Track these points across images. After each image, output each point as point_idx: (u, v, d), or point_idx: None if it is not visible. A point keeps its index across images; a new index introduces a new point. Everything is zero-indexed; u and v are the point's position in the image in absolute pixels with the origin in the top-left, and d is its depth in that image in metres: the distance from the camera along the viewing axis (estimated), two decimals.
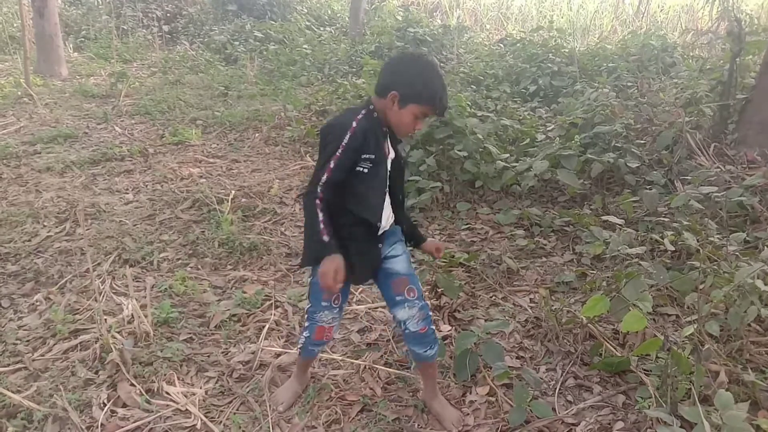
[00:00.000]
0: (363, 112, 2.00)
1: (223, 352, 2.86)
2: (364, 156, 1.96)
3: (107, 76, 9.14)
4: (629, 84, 6.45)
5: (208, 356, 2.82)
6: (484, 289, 3.41)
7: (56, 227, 4.25)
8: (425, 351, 2.22)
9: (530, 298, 3.31)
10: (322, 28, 12.82)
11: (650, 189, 4.16)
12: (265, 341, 2.92)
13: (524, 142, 4.97)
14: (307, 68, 9.41)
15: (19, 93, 7.89)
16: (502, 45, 9.93)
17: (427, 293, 3.27)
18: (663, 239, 3.32)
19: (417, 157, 4.54)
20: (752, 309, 2.53)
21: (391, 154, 2.11)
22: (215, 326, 3.07)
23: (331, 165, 1.92)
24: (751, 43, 5.35)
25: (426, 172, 4.55)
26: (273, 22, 12.10)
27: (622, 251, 3.26)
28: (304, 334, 2.32)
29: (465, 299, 3.28)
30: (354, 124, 1.94)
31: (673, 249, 3.25)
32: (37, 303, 3.28)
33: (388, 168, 2.09)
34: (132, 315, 2.99)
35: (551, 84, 7.23)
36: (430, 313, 2.25)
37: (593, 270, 3.50)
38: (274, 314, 3.14)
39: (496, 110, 6.78)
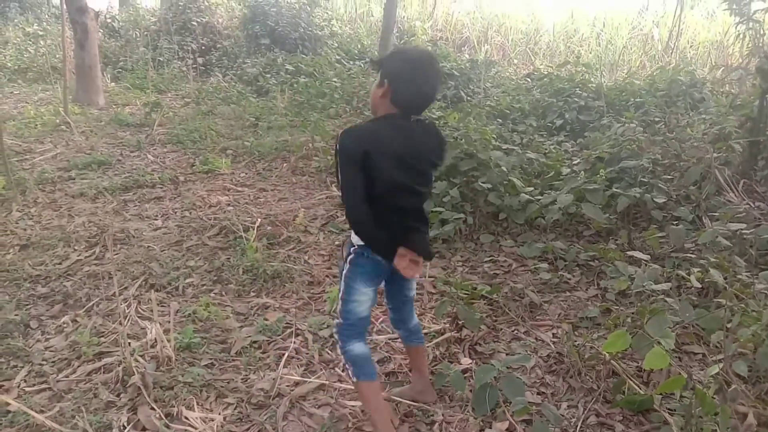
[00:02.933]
0: None
1: (242, 379, 2.88)
2: None
3: (142, 105, 9.41)
4: (657, 119, 6.41)
5: (228, 382, 2.84)
6: (506, 323, 3.38)
7: (86, 251, 4.36)
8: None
9: (553, 333, 3.26)
10: (351, 62, 13.05)
11: (677, 225, 4.10)
12: (285, 369, 2.93)
13: (549, 176, 4.96)
14: (335, 101, 9.55)
15: (58, 121, 8.17)
16: (529, 79, 9.99)
17: (447, 325, 3.26)
18: (689, 276, 3.26)
19: (441, 189, 4.56)
20: None
21: None
22: (236, 352, 3.09)
23: None
24: None
25: (450, 203, 4.56)
26: (304, 56, 12.36)
27: (647, 287, 3.22)
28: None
29: (486, 332, 3.26)
30: None
31: (700, 286, 3.20)
32: (64, 325, 3.35)
33: None
34: (155, 339, 3.03)
35: (578, 118, 7.23)
36: None
37: (618, 306, 3.45)
38: (294, 342, 3.16)
39: (522, 144, 6.79)
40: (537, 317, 3.45)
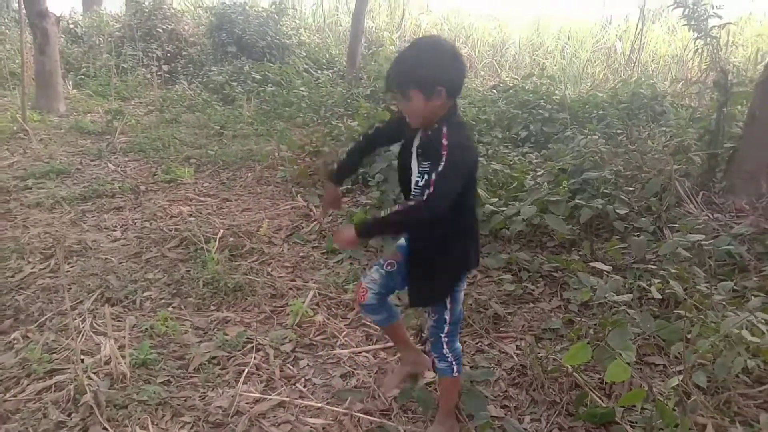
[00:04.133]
0: None
1: (200, 396, 2.80)
2: None
3: (104, 113, 9.20)
4: (619, 131, 6.52)
5: (185, 400, 2.76)
6: (470, 335, 3.37)
7: (41, 263, 4.21)
8: None
9: (517, 345, 3.26)
10: (319, 72, 13.00)
11: (638, 236, 4.16)
12: (244, 386, 2.86)
13: (513, 187, 4.98)
14: (303, 110, 9.50)
15: (15, 128, 7.92)
16: (495, 91, 10.06)
17: (412, 338, 3.22)
18: (650, 287, 3.30)
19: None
20: (739, 360, 2.49)
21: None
22: (194, 369, 3.01)
23: None
24: (738, 93, 5.44)
25: None
26: (271, 65, 12.27)
27: (609, 298, 3.24)
28: None
29: None
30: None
31: (660, 297, 3.23)
32: (15, 341, 3.21)
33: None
34: (109, 355, 2.93)
35: (542, 130, 7.29)
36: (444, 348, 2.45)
37: (580, 317, 3.47)
38: (255, 358, 3.09)
39: (488, 155, 6.83)
40: (501, 329, 3.44)
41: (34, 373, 2.90)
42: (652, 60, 13.82)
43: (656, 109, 7.41)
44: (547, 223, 4.10)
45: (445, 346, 2.40)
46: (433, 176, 1.97)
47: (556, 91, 8.21)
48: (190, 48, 13.69)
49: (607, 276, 3.54)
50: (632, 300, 3.29)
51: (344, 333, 3.36)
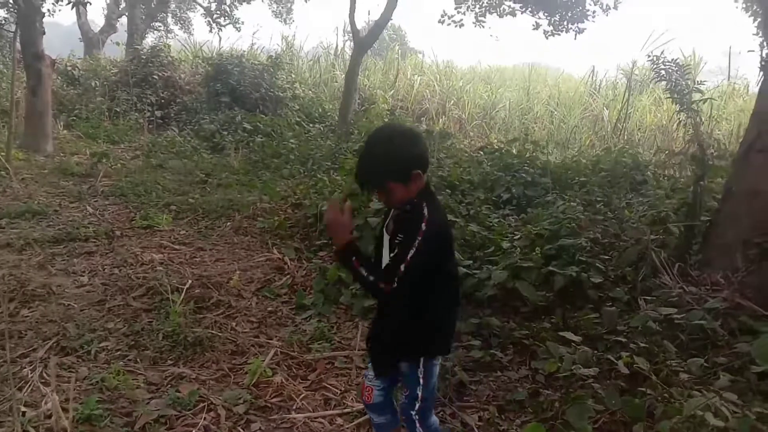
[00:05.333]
0: None
1: None
2: None
3: (90, 155, 9.21)
4: (598, 199, 6.55)
5: None
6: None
7: None
8: None
9: (479, 416, 3.15)
10: (311, 125, 13.18)
11: (612, 305, 4.10)
12: None
13: (489, 250, 4.95)
14: (290, 161, 9.55)
15: None
16: (482, 152, 10.17)
17: None
18: (618, 360, 3.22)
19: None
20: None
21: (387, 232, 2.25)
22: (140, 428, 2.87)
23: None
24: (717, 167, 5.50)
25: None
26: (263, 116, 12.42)
27: (575, 371, 3.16)
28: None
29: None
30: None
31: (628, 372, 3.15)
32: None
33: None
34: (51, 410, 2.80)
35: (524, 193, 7.33)
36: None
37: (547, 388, 3.37)
38: (205, 418, 2.96)
39: (469, 215, 6.82)
40: (465, 398, 3.33)
41: None
42: (639, 129, 14.09)
43: (638, 178, 7.49)
44: (519, 289, 4.04)
45: (417, 425, 2.32)
46: (407, 255, 2.01)
47: (540, 156, 8.29)
48: (184, 96, 13.89)
49: (576, 347, 3.46)
50: (599, 373, 3.20)
51: (302, 396, 3.24)
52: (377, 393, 2.38)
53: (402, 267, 2.00)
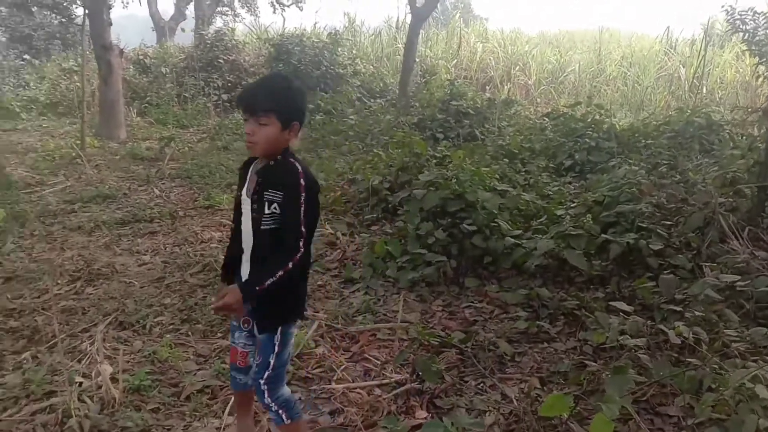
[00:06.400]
0: None
1: (185, 426, 2.77)
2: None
3: (158, 140, 9.58)
4: (664, 162, 6.19)
5: (169, 429, 2.74)
6: (474, 375, 3.21)
7: (67, 285, 4.36)
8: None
9: (520, 388, 3.07)
10: (372, 100, 13.14)
11: (673, 273, 3.88)
12: (230, 417, 2.81)
13: (543, 218, 4.79)
14: (350, 138, 9.58)
15: (74, 154, 8.35)
16: (546, 119, 9.85)
17: (408, 375, 3.10)
18: (671, 330, 3.05)
19: (426, 229, 4.44)
20: (751, 418, 2.24)
21: (247, 195, 2.15)
22: (185, 397, 2.99)
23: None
24: None
25: (437, 245, 4.43)
26: (324, 94, 12.50)
27: (623, 341, 3.02)
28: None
29: (450, 384, 3.08)
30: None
31: (680, 342, 2.97)
32: (24, 361, 3.30)
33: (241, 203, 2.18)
34: (104, 379, 2.95)
35: (588, 159, 7.05)
36: (264, 390, 2.21)
37: (595, 360, 3.24)
38: None
39: (529, 184, 6.64)
40: (507, 370, 3.26)
41: (33, 395, 2.95)
42: (719, 86, 13.18)
43: (710, 139, 7.02)
44: (567, 258, 3.89)
45: (266, 395, 2.21)
46: (300, 215, 2.01)
47: (606, 120, 7.92)
48: (249, 78, 14.11)
49: (627, 317, 3.30)
50: (651, 344, 3.05)
51: (343, 367, 3.26)
52: (251, 356, 2.33)
53: (302, 229, 2.01)
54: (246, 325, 2.30)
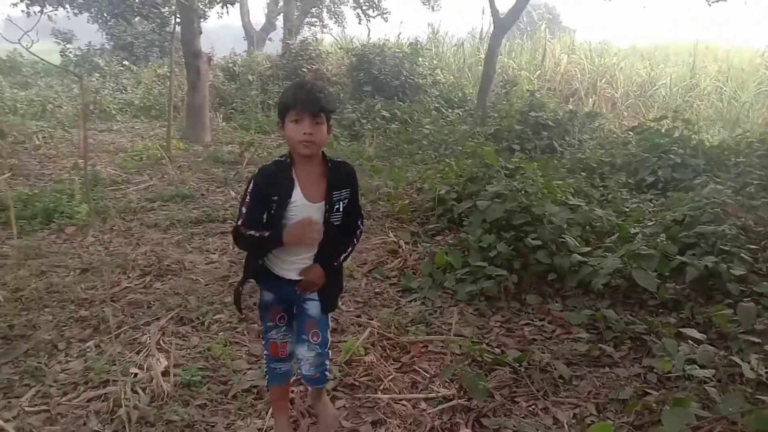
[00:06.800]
0: (271, 163, 2.28)
1: (228, 424, 2.80)
2: (272, 197, 2.19)
3: (239, 144, 9.89)
4: (756, 181, 5.74)
5: (212, 426, 2.77)
6: (526, 396, 3.06)
7: (137, 279, 4.54)
8: (315, 386, 2.58)
9: (574, 414, 2.90)
10: (450, 110, 13.06)
11: (752, 302, 3.57)
12: (273, 419, 2.81)
13: (614, 236, 4.54)
14: (423, 147, 9.55)
15: (159, 155, 8.76)
16: (631, 133, 9.41)
17: (455, 391, 3.00)
18: (746, 363, 2.79)
19: (488, 242, 4.31)
20: None
21: (313, 201, 2.24)
22: (233, 396, 3.02)
23: (243, 208, 2.22)
24: None
25: (499, 258, 4.29)
26: (401, 103, 12.53)
27: (690, 371, 2.79)
28: (264, 359, 2.59)
29: (499, 404, 2.96)
30: (263, 176, 2.22)
31: (754, 377, 2.71)
32: (88, 349, 3.45)
33: (291, 210, 2.21)
34: (155, 373, 3.03)
35: (672, 176, 6.66)
36: (327, 363, 2.53)
37: (659, 389, 3.02)
38: (293, 391, 3.03)
39: (607, 199, 6.35)
40: (562, 393, 3.09)
41: (91, 382, 3.08)
42: None
43: None
44: (635, 279, 3.65)
45: (328, 367, 2.59)
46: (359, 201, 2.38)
47: (693, 135, 7.46)
48: (331, 87, 14.35)
49: (697, 345, 3.06)
50: (721, 376, 2.80)
51: (390, 377, 3.20)
52: (290, 346, 2.51)
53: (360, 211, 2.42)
54: (282, 321, 2.48)
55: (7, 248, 4.94)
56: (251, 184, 2.21)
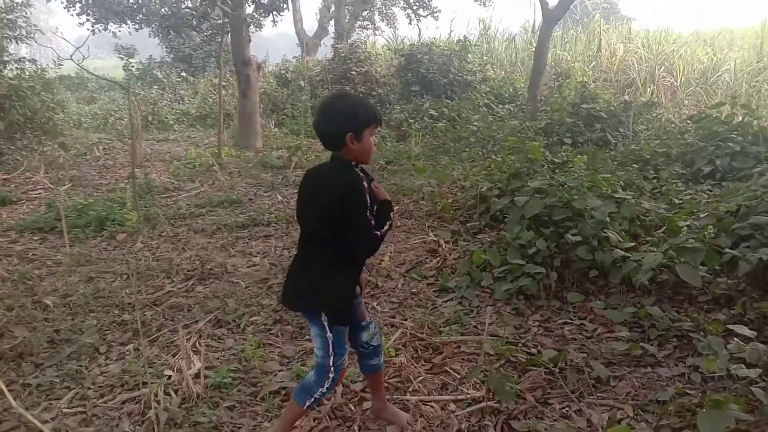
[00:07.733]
0: (353, 171, 2.29)
1: (255, 426, 2.81)
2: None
3: (287, 149, 10.03)
4: None
5: (239, 428, 2.79)
6: (559, 397, 2.94)
7: (181, 283, 4.65)
8: (378, 361, 2.63)
9: (610, 415, 2.76)
10: (501, 106, 12.83)
11: None
12: (300, 420, 2.80)
13: (662, 229, 4.32)
14: (471, 144, 9.41)
15: (212, 162, 8.99)
16: (689, 122, 8.98)
17: (485, 393, 2.91)
18: None
19: (527, 239, 4.19)
20: None
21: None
22: (261, 398, 3.04)
23: (368, 213, 2.26)
24: None
25: (539, 255, 4.16)
26: (449, 101, 12.41)
27: (734, 370, 2.61)
28: (320, 391, 2.43)
29: (531, 406, 2.85)
30: (364, 183, 2.26)
31: None
32: (127, 352, 3.56)
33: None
34: (190, 375, 3.09)
35: (731, 165, 6.30)
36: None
37: (703, 389, 2.83)
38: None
39: (660, 191, 6.08)
40: (599, 394, 2.95)
41: (126, 384, 3.16)
42: None
43: None
44: (679, 274, 3.45)
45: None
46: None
47: (755, 121, 7.03)
48: (380, 88, 14.42)
49: (745, 343, 2.86)
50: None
51: (420, 378, 3.14)
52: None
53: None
54: (348, 344, 2.52)
55: (60, 256, 5.16)
56: (362, 192, 2.25)
